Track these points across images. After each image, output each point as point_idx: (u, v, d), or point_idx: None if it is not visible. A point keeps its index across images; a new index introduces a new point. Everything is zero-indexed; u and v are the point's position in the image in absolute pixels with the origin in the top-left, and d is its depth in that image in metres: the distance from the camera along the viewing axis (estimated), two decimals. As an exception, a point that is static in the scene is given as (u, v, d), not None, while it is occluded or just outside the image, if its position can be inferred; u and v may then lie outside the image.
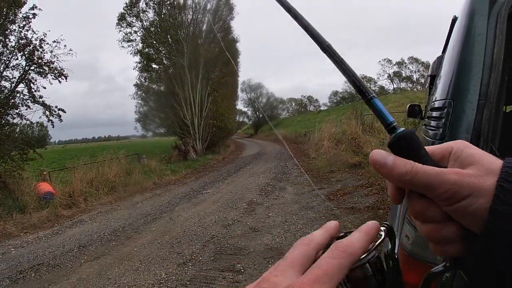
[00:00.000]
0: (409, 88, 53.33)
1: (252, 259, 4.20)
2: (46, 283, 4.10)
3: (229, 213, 6.50)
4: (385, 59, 58.27)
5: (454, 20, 1.69)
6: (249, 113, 60.85)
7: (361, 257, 0.35)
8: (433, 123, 1.47)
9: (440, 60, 2.28)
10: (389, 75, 58.59)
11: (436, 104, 1.48)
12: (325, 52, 0.45)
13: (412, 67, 57.21)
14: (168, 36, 18.76)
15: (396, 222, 2.09)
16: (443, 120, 1.28)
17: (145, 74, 20.05)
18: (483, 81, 1.20)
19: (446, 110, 1.27)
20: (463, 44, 1.33)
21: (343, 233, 0.39)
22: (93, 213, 7.74)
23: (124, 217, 7.06)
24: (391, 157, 0.37)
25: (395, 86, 57.95)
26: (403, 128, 0.39)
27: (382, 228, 0.42)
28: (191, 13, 19.58)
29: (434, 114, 1.50)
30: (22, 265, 4.79)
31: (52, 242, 5.81)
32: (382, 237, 0.41)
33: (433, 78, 2.66)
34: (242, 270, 3.88)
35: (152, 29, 18.90)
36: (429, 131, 1.47)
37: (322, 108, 60.79)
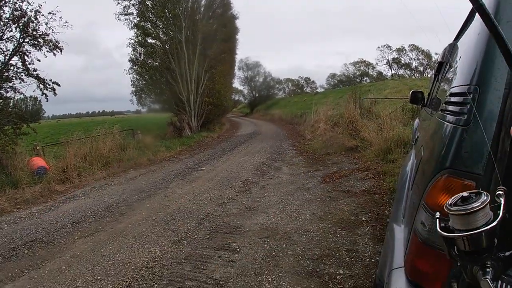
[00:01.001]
0: (407, 75, 53.11)
1: (248, 238, 4.19)
2: (39, 260, 4.06)
3: (224, 192, 6.48)
4: (384, 45, 57.63)
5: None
6: (245, 91, 60.36)
7: None
8: (452, 108, 1.41)
9: (452, 47, 2.20)
10: (388, 61, 58.12)
11: (457, 90, 1.42)
12: (477, 11, 0.49)
13: (412, 55, 56.74)
14: (166, 11, 18.30)
15: (401, 210, 2.07)
16: (468, 106, 1.22)
17: (141, 49, 19.61)
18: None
19: (471, 95, 1.21)
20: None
21: None
22: (87, 189, 7.68)
23: (118, 193, 7.01)
24: None
25: (393, 72, 57.62)
26: None
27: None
28: (190, -13, 19.07)
29: (454, 99, 1.44)
30: (15, 241, 4.73)
31: (45, 218, 5.74)
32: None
33: (441, 64, 2.60)
34: (238, 249, 3.87)
35: (149, 2, 18.38)
36: (449, 116, 1.41)
37: (319, 90, 60.38)
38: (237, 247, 3.94)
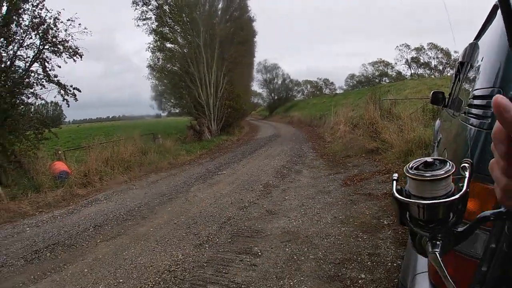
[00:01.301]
0: (426, 75, 52.02)
1: (269, 242, 4.20)
2: (61, 263, 4.16)
3: (245, 195, 6.51)
4: (403, 44, 56.70)
5: (497, 6, 1.58)
6: (264, 94, 60.49)
7: None
8: (476, 111, 1.39)
9: (473, 47, 2.17)
10: (406, 61, 57.13)
11: (480, 92, 1.40)
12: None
13: (431, 53, 55.60)
14: (183, 15, 18.56)
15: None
16: (492, 109, 1.20)
17: (159, 53, 19.93)
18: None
19: None
20: None
21: None
22: (109, 192, 7.85)
23: (140, 197, 7.13)
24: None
25: (412, 71, 56.58)
26: None
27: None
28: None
29: (477, 102, 1.41)
30: (37, 244, 4.86)
31: (68, 221, 5.89)
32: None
33: (462, 64, 2.56)
34: (259, 253, 3.88)
35: (166, 7, 18.67)
36: (472, 119, 1.39)
37: (338, 91, 59.85)
38: (259, 251, 3.96)
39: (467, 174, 0.62)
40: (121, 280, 3.56)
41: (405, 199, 0.63)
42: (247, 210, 5.58)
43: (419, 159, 0.68)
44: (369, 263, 3.42)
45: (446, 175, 0.59)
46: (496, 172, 0.43)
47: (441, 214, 0.59)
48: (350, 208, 5.17)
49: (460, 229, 0.61)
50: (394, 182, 0.71)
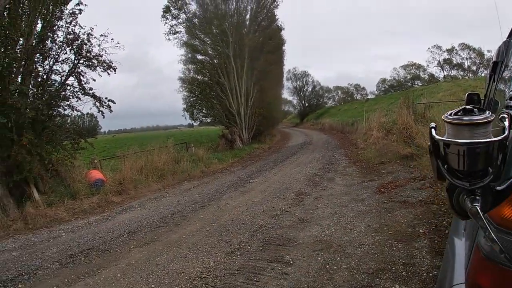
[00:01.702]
0: (460, 76, 50.16)
1: (301, 250, 4.15)
2: (95, 267, 4.30)
3: (277, 203, 6.49)
4: (434, 45, 54.93)
5: None
6: (295, 102, 60.40)
7: None
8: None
9: (507, 45, 2.08)
10: (439, 62, 55.31)
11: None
12: None
13: (463, 54, 53.59)
14: (213, 27, 18.93)
15: (462, 222, 1.96)
16: None
17: (191, 66, 20.39)
18: None
19: None
20: None
21: None
22: (143, 200, 8.05)
23: (173, 204, 7.27)
24: None
25: (445, 73, 54.70)
26: None
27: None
28: (234, 3, 19.58)
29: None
30: (72, 249, 5.05)
31: (102, 228, 6.09)
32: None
33: (496, 64, 2.45)
34: (291, 262, 3.85)
35: (196, 20, 19.12)
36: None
37: (369, 96, 58.82)
38: (290, 259, 3.92)
39: (506, 123, 0.59)
40: (153, 286, 3.63)
41: (444, 139, 0.60)
42: (279, 218, 5.56)
43: (458, 108, 0.65)
44: (403, 273, 3.31)
45: (484, 120, 0.57)
46: None
47: (480, 163, 0.56)
48: (384, 216, 5.04)
49: (499, 188, 0.58)
50: (433, 129, 0.67)
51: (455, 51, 53.77)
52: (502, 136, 0.55)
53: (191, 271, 3.89)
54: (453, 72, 53.87)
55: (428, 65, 56.68)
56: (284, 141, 23.09)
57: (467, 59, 53.35)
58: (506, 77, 1.78)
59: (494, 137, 0.55)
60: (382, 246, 4.02)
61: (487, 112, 0.59)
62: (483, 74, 40.02)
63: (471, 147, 0.55)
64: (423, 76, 56.45)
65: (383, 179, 7.52)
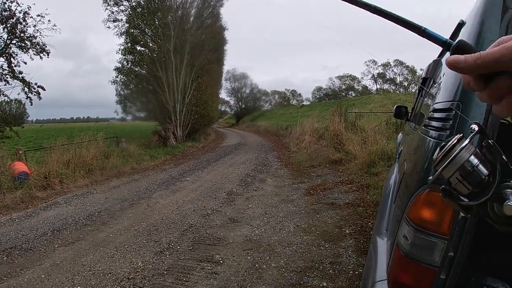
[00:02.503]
0: (391, 90, 54.16)
1: (231, 250, 4.15)
2: (18, 267, 3.92)
3: (208, 203, 6.42)
4: (371, 60, 58.74)
5: (461, 24, 1.67)
6: (232, 102, 60.63)
7: None
8: (436, 123, 1.44)
9: (436, 63, 2.26)
10: (373, 76, 59.19)
11: (440, 106, 1.45)
12: (375, 13, 0.56)
13: (397, 70, 58.01)
14: (156, 19, 18.31)
15: (385, 223, 2.08)
16: (451, 122, 1.25)
17: (129, 56, 19.50)
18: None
19: (454, 112, 1.24)
20: None
21: None
22: (69, 196, 7.51)
23: (100, 202, 6.88)
24: (462, 55, 0.47)
25: (378, 86, 58.66)
26: (456, 41, 0.50)
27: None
28: (180, -4, 19.17)
29: (437, 115, 1.47)
30: (-8, 247, 4.58)
31: (26, 225, 5.58)
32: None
33: (425, 80, 2.67)
34: (221, 261, 3.82)
35: (139, 10, 18.37)
36: (431, 131, 1.44)
37: (305, 102, 61.04)
38: (220, 259, 3.90)
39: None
40: (78, 287, 3.39)
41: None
42: (210, 217, 5.51)
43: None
44: (331, 271, 3.46)
45: (456, 141, 0.57)
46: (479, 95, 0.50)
47: (481, 174, 0.56)
48: (312, 217, 5.22)
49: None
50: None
51: (389, 67, 57.89)
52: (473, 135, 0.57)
53: (118, 271, 3.70)
54: (386, 86, 57.97)
55: (362, 78, 60.41)
56: (218, 141, 23.02)
57: (399, 74, 57.72)
58: (433, 92, 1.93)
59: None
60: (310, 245, 4.16)
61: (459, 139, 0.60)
62: (413, 90, 43.46)
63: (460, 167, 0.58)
64: (357, 87, 59.97)
65: (312, 181, 7.81)
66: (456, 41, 0.49)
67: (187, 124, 19.98)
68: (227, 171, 9.82)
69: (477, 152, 0.54)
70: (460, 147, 0.53)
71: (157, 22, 18.35)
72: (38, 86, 8.98)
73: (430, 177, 0.56)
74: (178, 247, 4.31)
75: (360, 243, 4.09)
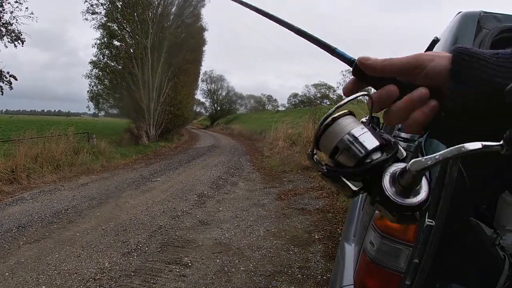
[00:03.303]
0: (365, 100, 55.36)
1: (200, 252, 4.13)
2: (-22, 264, 3.76)
3: (178, 204, 6.36)
4: (347, 70, 59.90)
5: (436, 41, 1.75)
6: (207, 104, 60.35)
7: None
8: (404, 135, 1.50)
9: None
10: (348, 85, 60.21)
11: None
12: (298, 34, 0.60)
13: (372, 80, 59.32)
14: (135, 14, 17.99)
15: (353, 229, 2.14)
16: (416, 143, 1.31)
17: (105, 50, 19.06)
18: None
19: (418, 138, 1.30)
20: None
21: None
22: (35, 192, 7.24)
23: (68, 199, 6.67)
24: (372, 57, 0.50)
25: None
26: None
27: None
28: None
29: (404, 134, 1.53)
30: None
31: None
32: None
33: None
34: (190, 264, 3.80)
35: (120, 3, 18.01)
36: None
37: (280, 108, 61.44)
38: (189, 261, 3.87)
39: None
40: (43, 287, 3.28)
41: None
42: (180, 219, 5.46)
43: None
44: (299, 276, 3.50)
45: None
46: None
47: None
48: (282, 222, 5.27)
49: None
50: None
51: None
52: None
53: (84, 271, 3.60)
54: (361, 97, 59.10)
55: (338, 87, 61.33)
56: (192, 142, 22.83)
57: (374, 85, 59.01)
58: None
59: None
60: (280, 250, 4.20)
61: None
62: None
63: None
64: (332, 96, 60.86)
65: (284, 186, 7.87)
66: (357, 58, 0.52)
67: (161, 123, 19.68)
68: (199, 173, 9.75)
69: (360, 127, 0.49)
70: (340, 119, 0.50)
71: (136, 17, 18.05)
72: (10, 76, 8.63)
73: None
74: (146, 249, 4.24)
75: (328, 249, 4.16)
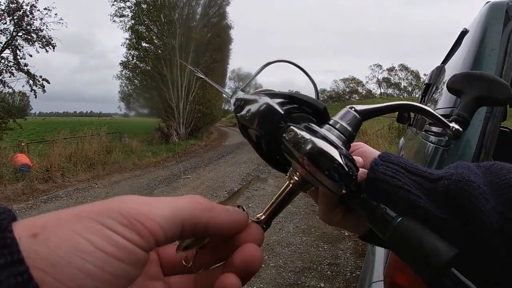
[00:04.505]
0: (395, 95, 54.12)
1: (230, 248, 4.18)
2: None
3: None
4: (376, 64, 58.81)
5: (464, 32, 1.70)
6: (235, 102, 60.60)
7: None
8: (436, 129, 1.47)
9: (439, 70, 2.28)
10: (378, 80, 59.17)
11: (441, 112, 1.47)
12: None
13: (401, 75, 57.97)
14: (161, 15, 18.37)
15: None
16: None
17: (134, 52, 19.57)
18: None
19: None
20: (475, 57, 1.33)
21: None
22: (70, 190, 7.56)
23: (101, 196, 6.92)
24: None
25: (382, 90, 58.62)
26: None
27: None
28: (186, -6, 19.24)
29: (438, 121, 1.49)
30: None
31: (26, 217, 5.49)
32: None
33: (428, 86, 2.69)
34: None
35: (145, 6, 18.43)
36: (432, 136, 1.47)
37: (308, 104, 60.79)
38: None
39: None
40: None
41: None
42: (211, 215, 5.53)
43: None
44: (328, 272, 3.48)
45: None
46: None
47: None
48: (312, 218, 5.25)
49: None
50: None
51: (394, 71, 57.81)
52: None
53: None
54: (390, 91, 57.86)
55: (367, 81, 60.35)
56: (221, 139, 23.05)
57: (404, 79, 57.62)
58: (436, 98, 1.95)
59: None
60: (309, 246, 4.19)
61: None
62: (417, 95, 43.51)
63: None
64: (361, 91, 59.89)
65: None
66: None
67: (190, 121, 20.03)
68: (228, 170, 9.85)
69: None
70: None
71: (162, 19, 18.41)
72: (43, 79, 9.03)
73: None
74: (178, 244, 4.34)
75: (358, 246, 4.11)
